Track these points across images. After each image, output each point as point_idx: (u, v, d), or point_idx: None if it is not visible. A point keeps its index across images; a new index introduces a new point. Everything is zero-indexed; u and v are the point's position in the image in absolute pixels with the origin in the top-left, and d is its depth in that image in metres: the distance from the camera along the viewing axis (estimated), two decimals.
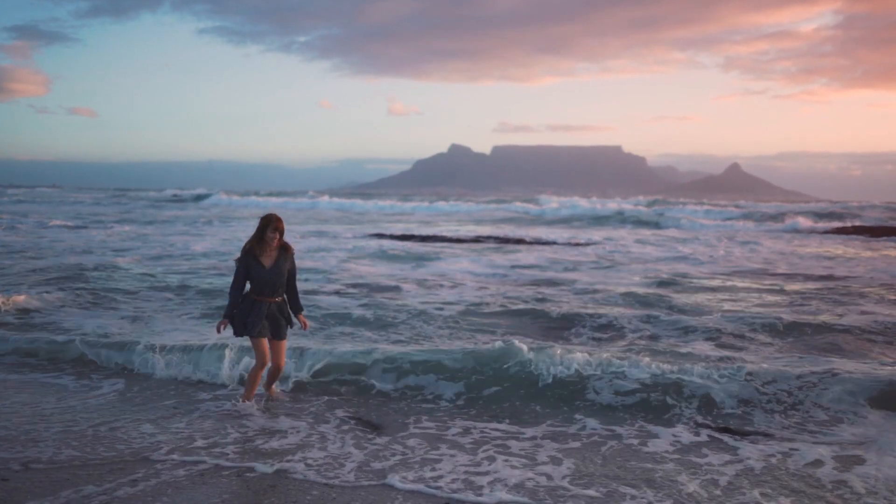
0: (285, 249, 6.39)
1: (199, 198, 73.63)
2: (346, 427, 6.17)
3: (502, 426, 6.25)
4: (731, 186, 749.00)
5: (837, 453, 5.55)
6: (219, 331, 6.34)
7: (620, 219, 43.49)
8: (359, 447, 5.66)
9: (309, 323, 6.76)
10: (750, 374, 7.19)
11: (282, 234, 6.32)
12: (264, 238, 6.25)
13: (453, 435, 6.01)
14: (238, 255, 6.48)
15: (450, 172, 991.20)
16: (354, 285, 13.70)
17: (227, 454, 5.45)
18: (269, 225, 6.24)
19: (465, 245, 24.89)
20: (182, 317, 10.61)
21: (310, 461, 5.34)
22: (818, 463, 5.37)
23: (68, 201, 67.69)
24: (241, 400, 6.62)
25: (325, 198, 73.59)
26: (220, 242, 23.70)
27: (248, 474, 5.08)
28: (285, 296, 6.52)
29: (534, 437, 5.95)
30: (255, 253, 6.28)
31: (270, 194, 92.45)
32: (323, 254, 20.26)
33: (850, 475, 5.14)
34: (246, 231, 29.81)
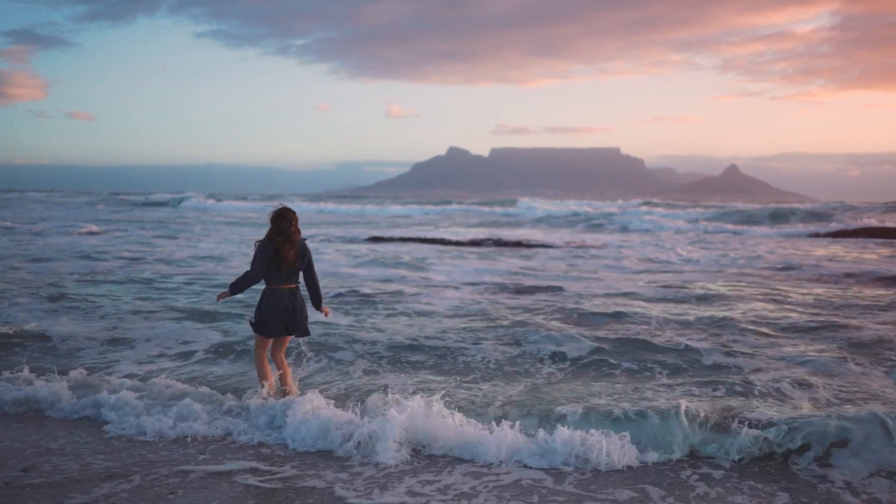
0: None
1: (177, 201, 74.05)
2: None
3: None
4: (730, 188, 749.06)
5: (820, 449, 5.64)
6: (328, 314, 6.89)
7: (607, 221, 42.39)
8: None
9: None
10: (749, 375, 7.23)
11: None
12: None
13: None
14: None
15: (448, 175, 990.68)
16: (351, 292, 13.70)
17: (229, 459, 5.51)
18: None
19: (464, 248, 24.96)
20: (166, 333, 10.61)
21: (321, 471, 5.34)
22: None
23: (45, 205, 67.27)
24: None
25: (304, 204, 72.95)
26: (189, 248, 23.69)
27: (251, 481, 5.12)
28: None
29: None
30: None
31: (261, 198, 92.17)
32: (316, 258, 20.30)
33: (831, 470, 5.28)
34: (225, 235, 29.87)
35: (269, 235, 6.38)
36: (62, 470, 5.21)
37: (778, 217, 42.66)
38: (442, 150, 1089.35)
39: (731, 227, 37.93)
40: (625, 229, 38.04)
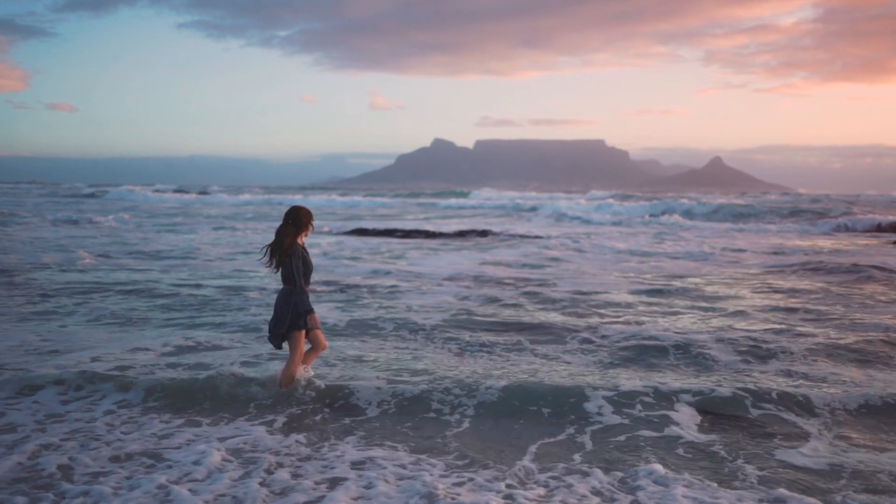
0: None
1: (102, 193, 72.52)
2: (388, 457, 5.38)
3: None
4: (714, 180, 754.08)
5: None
6: (318, 325, 6.41)
7: (566, 212, 41.78)
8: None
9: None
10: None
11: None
12: (308, 230, 6.46)
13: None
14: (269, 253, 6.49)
15: (433, 167, 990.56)
16: (331, 284, 13.36)
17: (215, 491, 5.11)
18: (312, 218, 6.47)
19: (449, 240, 24.65)
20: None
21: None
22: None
23: None
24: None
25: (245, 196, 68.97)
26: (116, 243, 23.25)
27: None
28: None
29: None
30: (303, 244, 6.51)
31: (240, 191, 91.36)
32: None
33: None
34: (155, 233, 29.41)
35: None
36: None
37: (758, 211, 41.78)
38: (427, 142, 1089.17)
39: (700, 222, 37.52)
40: (589, 222, 37.30)
